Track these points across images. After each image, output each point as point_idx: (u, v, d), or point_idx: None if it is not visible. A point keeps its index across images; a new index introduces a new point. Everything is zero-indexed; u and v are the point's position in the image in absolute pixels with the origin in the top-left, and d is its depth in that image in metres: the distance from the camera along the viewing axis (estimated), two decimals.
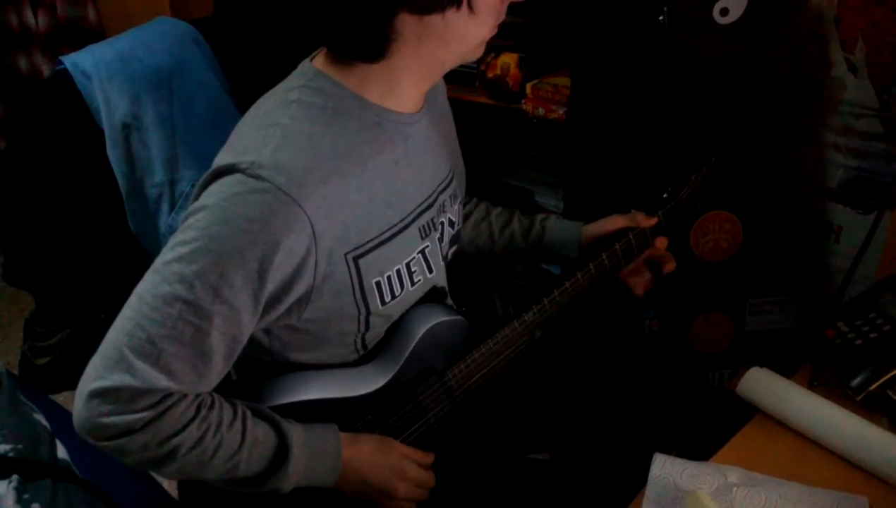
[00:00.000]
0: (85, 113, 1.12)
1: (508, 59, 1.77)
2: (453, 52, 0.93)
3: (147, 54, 1.16)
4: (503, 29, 0.96)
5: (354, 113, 0.92)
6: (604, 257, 1.16)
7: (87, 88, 1.11)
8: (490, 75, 1.80)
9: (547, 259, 1.28)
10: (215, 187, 0.85)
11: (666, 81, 1.42)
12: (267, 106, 0.93)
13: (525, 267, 1.95)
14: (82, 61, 1.12)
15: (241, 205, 0.82)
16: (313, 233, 0.85)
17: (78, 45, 1.18)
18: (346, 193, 0.89)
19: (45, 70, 2.45)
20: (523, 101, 1.78)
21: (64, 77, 1.12)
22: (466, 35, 0.91)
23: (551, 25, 1.84)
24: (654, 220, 1.19)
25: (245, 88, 0.98)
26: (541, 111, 1.74)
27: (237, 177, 0.84)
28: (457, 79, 1.85)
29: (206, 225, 0.82)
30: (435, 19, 0.87)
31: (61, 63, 1.13)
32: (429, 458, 1.07)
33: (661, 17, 1.37)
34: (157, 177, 1.15)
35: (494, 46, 1.78)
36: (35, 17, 2.40)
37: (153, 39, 1.19)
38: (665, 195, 1.23)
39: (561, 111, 1.71)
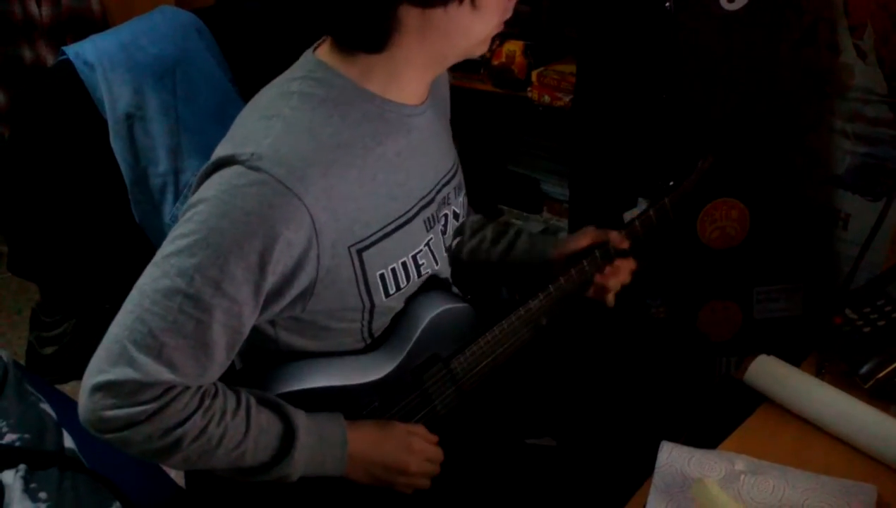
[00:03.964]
0: (88, 103, 1.12)
1: (514, 47, 1.76)
2: (456, 46, 0.93)
3: (150, 44, 1.16)
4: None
5: (356, 104, 0.92)
6: (596, 253, 1.13)
7: (89, 78, 1.11)
8: (495, 63, 1.79)
9: (514, 270, 1.21)
10: (215, 179, 0.84)
11: (672, 69, 1.41)
12: (268, 96, 0.93)
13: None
14: (85, 51, 1.12)
15: (240, 197, 0.82)
16: (313, 225, 0.85)
17: (82, 35, 1.18)
18: (348, 185, 0.89)
19: (49, 60, 2.44)
20: (529, 89, 1.77)
21: (66, 67, 1.12)
22: (470, 30, 0.91)
23: (557, 13, 1.83)
24: (625, 243, 1.13)
25: (248, 78, 0.98)
26: (546, 99, 1.74)
27: (237, 169, 0.83)
28: (462, 66, 1.82)
29: (205, 217, 0.82)
30: (437, 12, 0.86)
31: (64, 53, 1.13)
32: (433, 435, 1.07)
33: (667, 4, 1.36)
34: (160, 166, 1.15)
35: (500, 34, 1.77)
36: (39, 6, 2.40)
37: (156, 29, 1.19)
38: (671, 183, 1.23)
39: (567, 99, 1.70)
